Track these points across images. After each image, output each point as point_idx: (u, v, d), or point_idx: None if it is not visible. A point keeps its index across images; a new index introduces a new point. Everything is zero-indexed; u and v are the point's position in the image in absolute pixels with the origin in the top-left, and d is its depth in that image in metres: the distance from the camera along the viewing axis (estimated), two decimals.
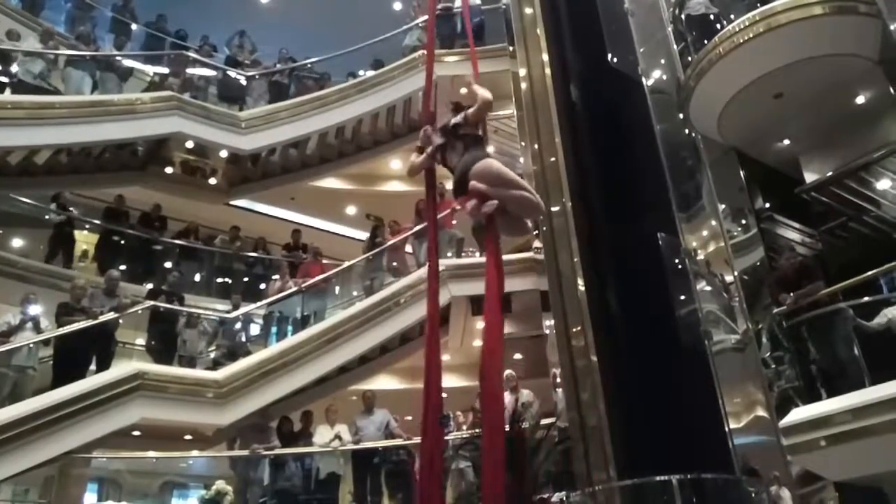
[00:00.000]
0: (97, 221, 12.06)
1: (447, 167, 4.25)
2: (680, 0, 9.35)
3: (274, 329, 11.18)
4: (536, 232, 7.96)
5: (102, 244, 11.87)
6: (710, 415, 6.17)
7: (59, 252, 11.27)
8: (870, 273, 6.97)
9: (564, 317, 6.60)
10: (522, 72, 8.09)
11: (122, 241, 12.00)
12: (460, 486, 8.35)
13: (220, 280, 13.00)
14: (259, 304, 11.25)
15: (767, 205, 9.62)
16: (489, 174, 3.93)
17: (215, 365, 9.77)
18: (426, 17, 13.62)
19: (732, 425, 6.54)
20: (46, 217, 11.55)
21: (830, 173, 9.07)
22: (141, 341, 10.32)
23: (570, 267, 6.65)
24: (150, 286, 11.08)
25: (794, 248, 8.37)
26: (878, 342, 6.66)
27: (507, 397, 9.03)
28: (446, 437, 9.34)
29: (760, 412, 7.10)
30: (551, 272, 6.93)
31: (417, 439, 9.46)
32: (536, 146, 7.55)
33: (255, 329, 11.27)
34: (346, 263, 11.97)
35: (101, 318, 8.82)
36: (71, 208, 12.01)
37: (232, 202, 14.26)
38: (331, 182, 15.09)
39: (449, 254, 11.27)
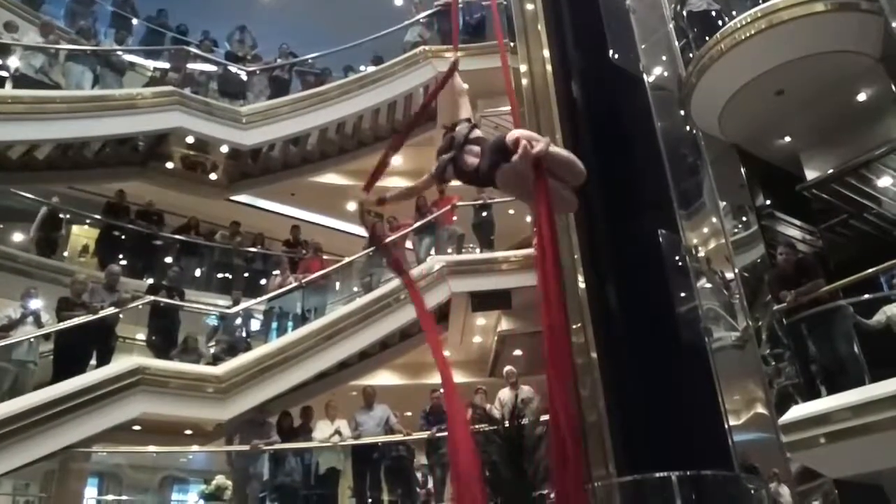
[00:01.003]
0: (97, 216, 12.04)
1: (462, 174, 4.06)
2: None
3: (274, 325, 11.19)
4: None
5: (103, 239, 11.86)
6: (710, 412, 6.18)
7: (46, 248, 11.24)
8: (870, 270, 6.97)
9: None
10: (523, 68, 8.08)
11: (123, 237, 11.99)
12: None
13: (220, 275, 13.00)
14: (259, 299, 11.25)
15: (768, 202, 9.62)
16: (527, 134, 3.70)
17: (215, 360, 9.78)
18: (427, 12, 13.65)
19: (732, 422, 6.54)
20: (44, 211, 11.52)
21: (831, 171, 9.07)
22: (141, 336, 10.33)
23: (571, 264, 6.66)
24: (150, 281, 11.07)
25: (791, 244, 8.36)
26: (877, 340, 6.66)
27: (508, 393, 9.06)
28: (446, 433, 9.40)
29: (760, 409, 7.11)
30: None
31: (417, 435, 9.57)
32: None
33: (255, 324, 11.29)
34: (346, 259, 11.98)
35: (102, 313, 8.83)
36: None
37: (232, 197, 14.27)
38: (331, 178, 15.08)
39: (449, 250, 11.28)
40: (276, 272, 12.00)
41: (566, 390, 3.34)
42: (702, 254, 7.74)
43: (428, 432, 9.54)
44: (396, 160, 15.21)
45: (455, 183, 4.52)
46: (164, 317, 10.00)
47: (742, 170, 9.46)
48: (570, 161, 3.72)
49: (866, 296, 7.06)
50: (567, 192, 3.84)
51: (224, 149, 12.96)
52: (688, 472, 5.32)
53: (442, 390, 10.87)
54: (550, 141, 3.64)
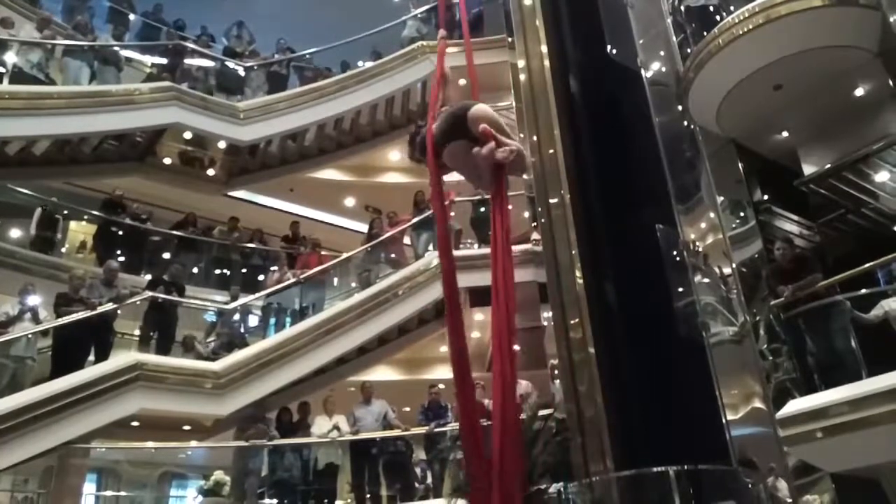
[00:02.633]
0: (95, 212, 12.02)
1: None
2: None
3: (272, 320, 11.19)
4: (535, 224, 7.96)
5: (101, 235, 11.84)
6: (708, 406, 6.18)
7: (42, 247, 11.21)
8: (867, 265, 6.98)
9: (562, 308, 6.60)
10: (521, 63, 8.05)
11: (121, 233, 11.97)
12: (458, 477, 8.37)
13: (218, 271, 13.00)
14: (257, 295, 11.26)
15: (766, 197, 9.62)
16: (491, 118, 3.62)
17: (214, 355, 9.78)
18: (424, 8, 13.64)
19: (729, 417, 6.54)
20: (44, 208, 11.50)
21: (829, 165, 9.06)
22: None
23: (569, 259, 6.66)
24: (148, 277, 11.05)
25: (789, 239, 8.37)
26: (875, 334, 6.67)
27: None
28: (444, 429, 9.43)
29: (757, 404, 7.10)
30: (549, 264, 6.93)
31: (415, 430, 9.58)
32: (535, 138, 7.52)
33: (253, 320, 11.29)
34: (345, 255, 11.98)
35: (100, 309, 8.82)
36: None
37: (230, 193, 14.26)
38: (329, 173, 15.08)
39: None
40: (275, 268, 12.00)
41: (508, 387, 3.37)
42: (699, 249, 7.74)
43: (426, 427, 9.56)
44: (395, 156, 15.34)
45: (452, 179, 4.51)
46: (161, 312, 9.97)
47: (740, 165, 9.45)
48: (522, 156, 3.70)
49: (863, 290, 7.07)
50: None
51: (222, 144, 12.98)
52: (685, 467, 5.33)
53: (441, 385, 10.92)
54: (521, 147, 3.62)
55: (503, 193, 3.67)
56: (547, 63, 7.56)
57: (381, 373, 12.63)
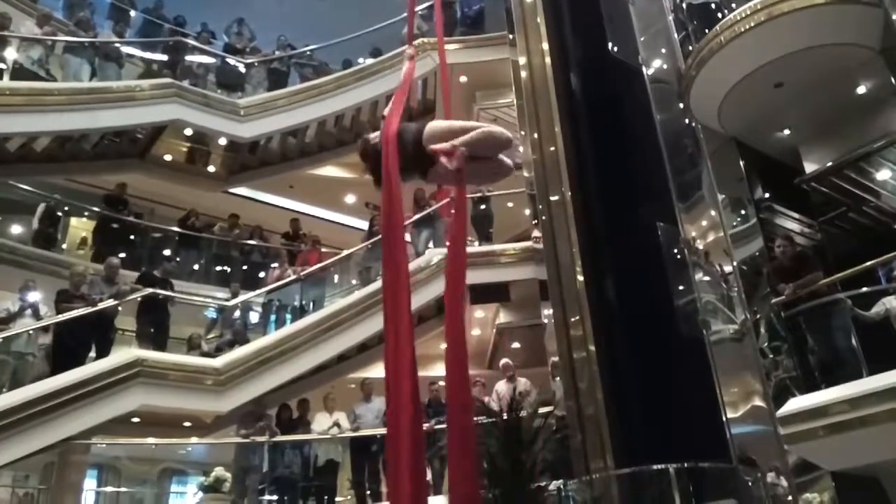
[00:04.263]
0: (95, 209, 12.02)
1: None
2: None
3: (273, 317, 11.19)
4: (535, 221, 7.96)
5: (101, 231, 11.83)
6: (708, 404, 6.18)
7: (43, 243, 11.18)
8: (868, 263, 6.96)
9: (563, 306, 6.61)
10: (522, 60, 8.05)
11: (121, 229, 11.96)
12: None
13: (218, 268, 13.00)
14: (258, 292, 11.26)
15: (767, 195, 9.61)
16: (441, 130, 3.75)
17: (215, 352, 9.78)
18: (425, 5, 13.61)
19: (730, 415, 6.55)
20: (48, 204, 11.49)
21: (830, 163, 9.05)
22: None
23: (569, 256, 6.66)
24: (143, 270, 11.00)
25: (789, 237, 8.36)
26: (875, 332, 6.66)
27: (505, 386, 9.08)
28: (445, 426, 9.43)
29: (758, 402, 7.11)
30: (550, 262, 6.93)
31: None
32: (536, 135, 7.53)
33: (254, 317, 11.29)
34: (345, 252, 11.97)
35: (100, 306, 8.81)
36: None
37: (230, 190, 14.26)
38: (330, 170, 15.07)
39: (447, 243, 11.26)
40: (275, 265, 12.00)
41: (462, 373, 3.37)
42: (700, 246, 7.73)
43: (426, 425, 9.55)
44: None
45: None
46: (154, 308, 9.92)
47: (741, 162, 9.45)
48: (486, 137, 3.69)
49: (864, 289, 7.05)
50: (496, 162, 3.84)
51: (222, 141, 12.97)
52: (685, 465, 5.34)
53: (441, 383, 10.92)
54: (463, 143, 3.62)
55: (463, 202, 3.92)
56: (548, 60, 7.55)
57: (382, 370, 12.58)
